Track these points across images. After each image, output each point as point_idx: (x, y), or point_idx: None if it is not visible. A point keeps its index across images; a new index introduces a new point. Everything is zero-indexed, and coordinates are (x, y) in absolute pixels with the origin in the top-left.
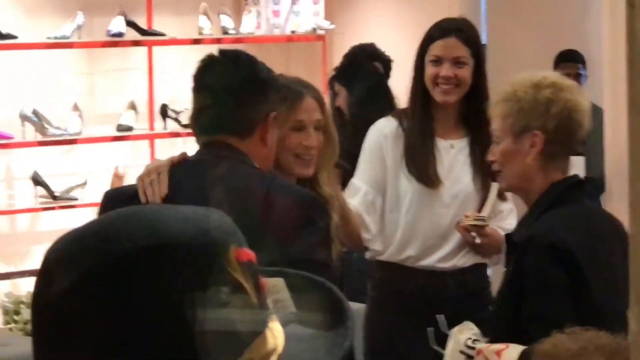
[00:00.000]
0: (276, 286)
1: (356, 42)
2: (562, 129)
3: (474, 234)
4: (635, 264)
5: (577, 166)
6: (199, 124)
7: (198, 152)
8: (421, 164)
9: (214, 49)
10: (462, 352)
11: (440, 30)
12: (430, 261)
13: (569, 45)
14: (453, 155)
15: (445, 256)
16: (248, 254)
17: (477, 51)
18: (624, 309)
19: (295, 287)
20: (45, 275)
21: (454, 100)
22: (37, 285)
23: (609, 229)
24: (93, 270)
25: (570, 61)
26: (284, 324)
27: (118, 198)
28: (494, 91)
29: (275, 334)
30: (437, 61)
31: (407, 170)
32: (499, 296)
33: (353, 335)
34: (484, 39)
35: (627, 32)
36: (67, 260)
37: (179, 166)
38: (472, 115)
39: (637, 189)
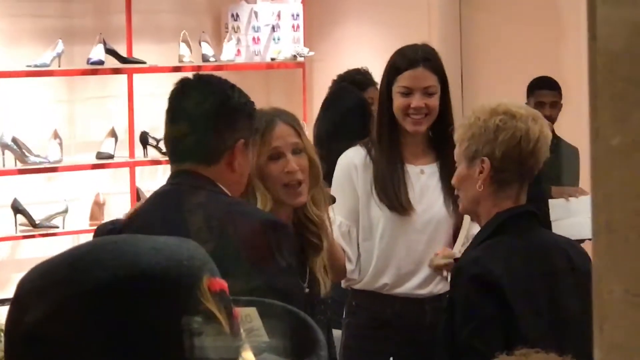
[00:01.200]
0: (249, 315)
1: (336, 69)
2: (510, 157)
3: (445, 272)
4: (597, 295)
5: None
6: (169, 150)
7: (167, 182)
8: (392, 192)
9: None
10: None
11: (407, 61)
12: (406, 288)
13: (547, 71)
14: (424, 181)
15: (421, 283)
16: (221, 283)
17: (443, 78)
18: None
19: (269, 316)
20: (18, 304)
21: (425, 128)
22: (10, 315)
23: (556, 261)
24: (66, 300)
25: (545, 88)
26: (257, 353)
27: (109, 232)
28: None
29: None
30: (407, 92)
31: (378, 199)
32: (440, 325)
33: None
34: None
35: (589, 64)
36: (41, 290)
37: (150, 199)
38: (440, 141)
39: (600, 221)
